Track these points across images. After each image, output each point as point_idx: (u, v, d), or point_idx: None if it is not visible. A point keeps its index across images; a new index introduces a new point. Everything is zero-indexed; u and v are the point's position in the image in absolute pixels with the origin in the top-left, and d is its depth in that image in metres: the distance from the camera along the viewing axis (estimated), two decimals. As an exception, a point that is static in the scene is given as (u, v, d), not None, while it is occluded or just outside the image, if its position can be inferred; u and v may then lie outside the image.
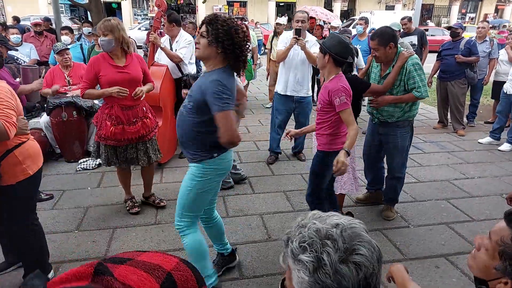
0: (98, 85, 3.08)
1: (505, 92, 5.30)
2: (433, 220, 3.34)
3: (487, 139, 5.41)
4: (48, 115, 4.34)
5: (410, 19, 6.33)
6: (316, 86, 6.98)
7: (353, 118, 2.51)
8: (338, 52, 2.51)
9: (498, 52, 5.99)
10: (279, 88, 4.38)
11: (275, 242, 2.97)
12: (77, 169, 4.26)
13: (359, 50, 4.92)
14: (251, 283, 2.54)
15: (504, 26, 18.56)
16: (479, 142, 5.40)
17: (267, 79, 7.21)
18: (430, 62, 6.84)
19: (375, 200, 3.61)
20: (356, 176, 3.19)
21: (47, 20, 7.92)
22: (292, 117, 4.59)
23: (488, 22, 6.42)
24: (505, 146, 5.17)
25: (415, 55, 2.97)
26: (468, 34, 12.75)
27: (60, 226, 3.15)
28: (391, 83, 3.00)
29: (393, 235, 3.10)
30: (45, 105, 4.39)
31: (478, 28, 5.98)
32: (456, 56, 5.47)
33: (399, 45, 3.03)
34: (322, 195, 2.80)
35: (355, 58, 3.61)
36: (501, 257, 0.95)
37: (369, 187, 3.65)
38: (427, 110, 7.21)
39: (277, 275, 2.61)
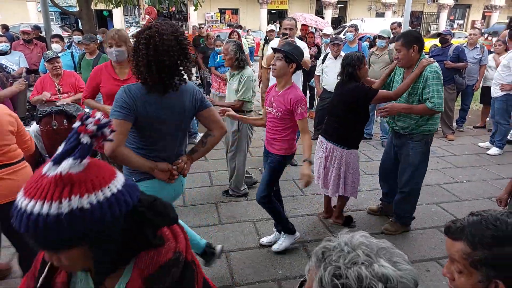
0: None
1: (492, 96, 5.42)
2: (424, 224, 3.37)
3: (492, 148, 5.34)
4: (37, 123, 4.30)
5: (399, 24, 6.45)
6: (308, 92, 7.03)
7: (308, 127, 2.66)
8: (301, 62, 2.64)
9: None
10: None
11: (267, 249, 2.97)
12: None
13: None
14: (243, 290, 2.53)
15: (495, 33, 19.00)
16: (482, 148, 5.34)
17: (259, 86, 7.25)
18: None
19: (387, 213, 3.45)
20: (357, 179, 3.20)
21: (37, 28, 7.87)
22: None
23: (479, 29, 6.52)
24: (493, 150, 5.25)
25: (436, 64, 2.81)
26: (457, 41, 13.01)
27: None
28: (403, 90, 2.88)
29: (385, 239, 3.11)
30: (34, 114, 4.35)
31: (470, 35, 6.09)
32: (445, 62, 5.56)
33: (423, 54, 2.88)
34: (272, 193, 2.86)
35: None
36: (476, 268, 0.93)
37: (383, 199, 3.52)
38: (417, 115, 7.29)
39: (270, 281, 2.61)
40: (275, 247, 2.92)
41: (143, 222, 0.83)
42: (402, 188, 3.13)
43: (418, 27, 29.55)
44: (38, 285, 0.90)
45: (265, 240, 3.05)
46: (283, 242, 2.93)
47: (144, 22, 20.11)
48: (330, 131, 3.15)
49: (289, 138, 2.72)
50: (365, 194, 3.92)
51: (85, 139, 0.75)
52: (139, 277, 0.82)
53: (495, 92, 5.26)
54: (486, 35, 10.40)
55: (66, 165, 0.74)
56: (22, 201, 0.74)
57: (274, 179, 2.84)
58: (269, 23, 24.41)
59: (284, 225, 2.91)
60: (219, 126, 2.05)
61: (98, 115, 0.78)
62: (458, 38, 17.66)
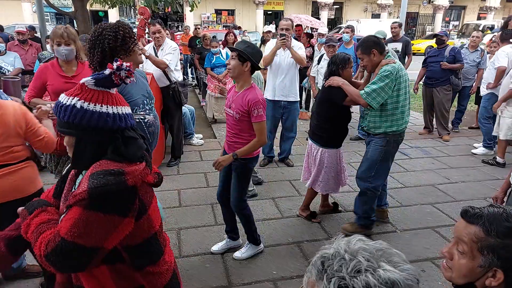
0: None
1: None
2: (418, 225, 3.39)
3: (479, 148, 5.39)
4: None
5: (400, 25, 6.48)
6: (304, 93, 7.05)
7: (265, 132, 2.53)
8: (257, 61, 2.52)
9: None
10: (267, 94, 4.42)
11: (264, 249, 2.97)
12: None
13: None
14: (239, 291, 2.53)
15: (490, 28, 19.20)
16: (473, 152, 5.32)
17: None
18: (415, 69, 7.00)
19: (377, 218, 3.36)
20: (341, 177, 3.30)
21: (32, 28, 7.84)
22: (281, 122, 4.64)
23: (482, 32, 6.51)
24: (479, 150, 5.30)
25: (393, 64, 2.82)
26: (452, 42, 13.09)
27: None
28: (363, 87, 2.96)
29: (380, 239, 3.12)
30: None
31: (473, 37, 6.08)
32: (441, 63, 5.60)
33: (389, 53, 2.97)
34: (246, 200, 2.80)
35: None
36: (482, 253, 0.98)
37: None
38: (413, 117, 7.33)
39: (266, 281, 2.61)
40: (237, 254, 2.84)
41: (114, 141, 1.15)
42: (358, 184, 3.17)
43: (414, 28, 29.73)
44: None
45: (215, 248, 2.92)
46: (246, 251, 2.85)
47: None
48: (311, 128, 3.31)
49: (250, 140, 2.56)
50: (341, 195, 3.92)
51: (106, 72, 1.12)
52: (91, 170, 1.10)
53: (482, 91, 5.32)
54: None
55: (87, 80, 1.14)
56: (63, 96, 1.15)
57: (245, 185, 2.72)
58: (265, 24, 24.43)
59: (253, 235, 2.83)
60: None
61: (125, 64, 1.14)
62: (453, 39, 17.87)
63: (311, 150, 3.31)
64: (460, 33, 22.74)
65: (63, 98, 1.13)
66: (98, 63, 1.95)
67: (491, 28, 20.23)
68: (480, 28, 21.60)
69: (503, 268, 0.95)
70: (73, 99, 1.11)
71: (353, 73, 4.37)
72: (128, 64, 1.14)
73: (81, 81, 1.13)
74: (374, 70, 2.97)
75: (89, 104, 1.11)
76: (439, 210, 3.66)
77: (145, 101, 2.10)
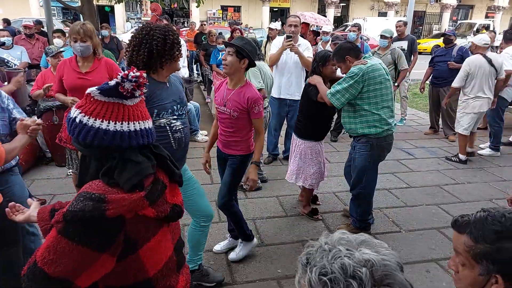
0: None
1: None
2: (424, 225, 3.37)
3: (486, 148, 5.35)
4: (38, 118, 4.29)
5: (405, 23, 6.43)
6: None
7: (263, 127, 2.57)
8: (254, 58, 2.50)
9: None
10: (273, 92, 4.41)
11: (268, 247, 2.97)
12: (68, 173, 4.21)
13: None
14: (243, 289, 2.53)
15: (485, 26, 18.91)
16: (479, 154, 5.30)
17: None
18: (422, 68, 6.94)
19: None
20: (322, 171, 3.37)
21: (38, 23, 7.85)
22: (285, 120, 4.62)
23: (495, 32, 6.37)
24: (485, 151, 5.26)
25: (361, 66, 2.75)
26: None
27: (50, 231, 3.11)
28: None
29: (385, 240, 3.12)
30: (35, 109, 4.35)
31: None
32: (449, 62, 5.55)
33: (369, 54, 2.95)
34: (233, 198, 2.76)
35: None
36: (477, 261, 0.97)
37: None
38: (418, 116, 7.28)
39: (270, 280, 2.61)
40: (232, 256, 2.78)
41: (111, 161, 1.03)
42: (351, 190, 3.14)
43: (421, 27, 29.48)
44: None
45: (217, 248, 2.89)
46: (240, 250, 2.79)
47: (146, 18, 20.05)
48: (296, 122, 3.42)
49: (249, 136, 2.56)
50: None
51: (112, 82, 0.99)
52: (82, 190, 1.00)
53: None
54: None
55: (92, 90, 1.01)
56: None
57: (236, 182, 2.67)
58: (271, 21, 24.33)
59: (243, 232, 2.76)
60: None
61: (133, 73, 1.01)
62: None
63: (292, 143, 3.41)
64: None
65: (72, 109, 1.05)
66: (143, 62, 1.92)
67: (487, 27, 19.92)
68: (475, 28, 21.36)
69: (502, 273, 0.94)
70: (75, 111, 1.02)
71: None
72: (138, 74, 1.00)
73: (87, 91, 1.02)
74: None
75: (89, 118, 1.00)
76: (445, 211, 3.63)
77: (174, 106, 2.04)
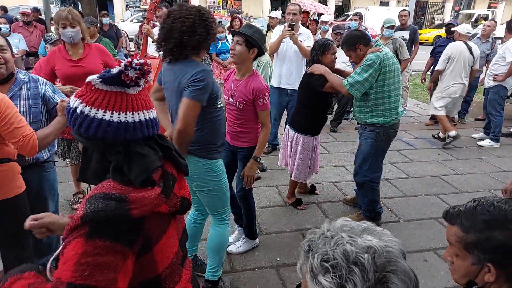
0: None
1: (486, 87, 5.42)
2: (422, 215, 3.38)
3: (485, 139, 5.35)
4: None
5: (409, 13, 6.36)
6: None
7: (269, 120, 2.43)
8: (263, 47, 2.38)
9: None
10: (273, 81, 4.38)
11: (267, 236, 2.98)
12: (67, 162, 4.21)
13: None
14: (242, 276, 2.54)
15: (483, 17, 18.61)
16: (478, 145, 5.30)
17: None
18: (423, 59, 6.88)
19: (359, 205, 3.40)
20: (314, 166, 3.32)
21: (36, 10, 7.74)
22: (285, 110, 4.60)
23: (495, 21, 6.33)
24: (485, 142, 5.25)
25: (377, 53, 2.74)
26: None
27: (49, 219, 3.12)
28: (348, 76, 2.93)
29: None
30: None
31: (484, 26, 5.92)
32: None
33: (378, 42, 2.91)
34: (250, 189, 2.71)
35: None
36: (469, 251, 0.98)
37: (356, 190, 3.44)
38: (419, 107, 7.26)
39: (268, 268, 2.63)
40: (232, 248, 2.77)
41: (116, 156, 0.96)
42: (354, 177, 3.18)
43: (423, 17, 29.18)
44: None
45: (231, 244, 2.83)
46: (241, 245, 2.79)
47: (145, 7, 19.80)
48: (291, 114, 3.35)
49: (256, 128, 2.49)
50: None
51: (114, 70, 0.93)
52: (91, 193, 0.94)
53: (488, 82, 5.24)
54: None
55: (93, 79, 0.95)
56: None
57: None
58: (271, 9, 24.06)
59: (250, 227, 2.78)
60: (178, 120, 1.90)
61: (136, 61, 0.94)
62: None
63: (287, 136, 3.30)
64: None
65: (71, 99, 0.97)
66: (198, 43, 1.88)
67: (485, 18, 19.64)
68: (474, 18, 21.09)
69: (493, 261, 0.95)
70: (76, 101, 0.94)
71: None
72: (142, 61, 0.94)
73: (87, 80, 0.95)
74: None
75: (90, 109, 0.93)
76: (443, 201, 3.64)
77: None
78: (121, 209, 0.88)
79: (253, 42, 2.29)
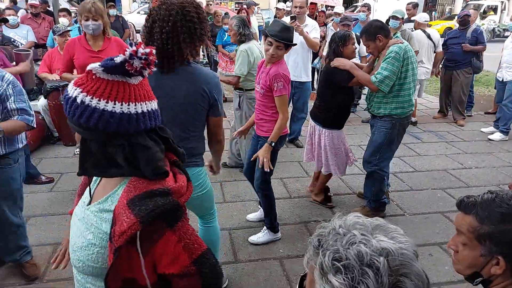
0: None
1: (500, 80, 5.30)
2: (428, 209, 3.35)
3: (495, 133, 5.26)
4: (45, 98, 4.32)
5: (415, 5, 6.25)
6: (316, 73, 6.92)
7: (287, 107, 2.47)
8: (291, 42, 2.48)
9: None
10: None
11: (271, 228, 2.99)
12: (75, 152, 4.26)
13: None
14: (246, 267, 2.56)
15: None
16: (489, 139, 5.20)
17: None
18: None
19: None
20: (350, 158, 3.28)
21: (44, 2, 7.77)
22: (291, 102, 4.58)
23: None
24: (496, 135, 5.17)
25: (400, 45, 2.77)
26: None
27: (57, 208, 3.18)
28: (372, 70, 2.91)
29: (389, 223, 3.11)
30: (42, 88, 4.36)
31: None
32: (463, 45, 5.40)
33: (398, 34, 2.95)
34: (270, 180, 2.73)
35: (358, 45, 3.59)
36: (480, 242, 0.98)
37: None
38: (427, 100, 7.16)
39: (272, 259, 2.64)
40: (253, 238, 2.81)
41: (121, 149, 0.94)
42: (364, 167, 3.17)
43: (433, 8, 28.63)
44: None
45: (251, 216, 3.07)
46: (262, 236, 2.81)
47: (152, -2, 19.74)
48: (313, 109, 3.24)
49: (274, 116, 2.51)
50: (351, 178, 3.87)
51: (118, 59, 0.89)
52: (125, 197, 0.93)
53: (508, 75, 5.12)
54: None
55: (94, 67, 0.91)
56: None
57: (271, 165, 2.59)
58: (278, 1, 23.83)
59: (271, 221, 2.79)
60: (217, 139, 1.96)
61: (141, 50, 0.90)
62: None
63: (314, 131, 3.26)
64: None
65: (69, 87, 0.93)
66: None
67: (494, 9, 19.10)
68: (482, 10, 20.59)
69: (504, 255, 0.95)
70: (75, 90, 0.90)
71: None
72: (147, 50, 0.90)
73: (88, 68, 0.91)
74: (379, 55, 2.90)
75: (91, 99, 0.88)
76: (450, 195, 3.61)
77: None
78: (171, 201, 0.93)
79: (292, 45, 2.46)
